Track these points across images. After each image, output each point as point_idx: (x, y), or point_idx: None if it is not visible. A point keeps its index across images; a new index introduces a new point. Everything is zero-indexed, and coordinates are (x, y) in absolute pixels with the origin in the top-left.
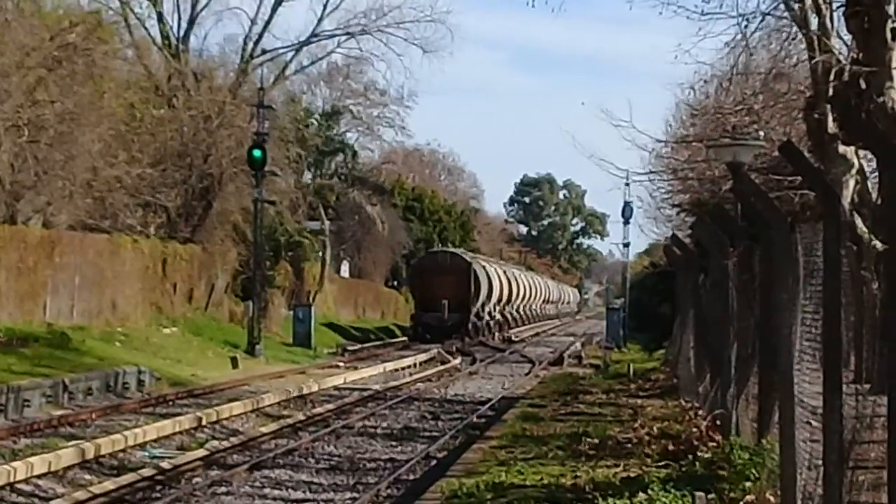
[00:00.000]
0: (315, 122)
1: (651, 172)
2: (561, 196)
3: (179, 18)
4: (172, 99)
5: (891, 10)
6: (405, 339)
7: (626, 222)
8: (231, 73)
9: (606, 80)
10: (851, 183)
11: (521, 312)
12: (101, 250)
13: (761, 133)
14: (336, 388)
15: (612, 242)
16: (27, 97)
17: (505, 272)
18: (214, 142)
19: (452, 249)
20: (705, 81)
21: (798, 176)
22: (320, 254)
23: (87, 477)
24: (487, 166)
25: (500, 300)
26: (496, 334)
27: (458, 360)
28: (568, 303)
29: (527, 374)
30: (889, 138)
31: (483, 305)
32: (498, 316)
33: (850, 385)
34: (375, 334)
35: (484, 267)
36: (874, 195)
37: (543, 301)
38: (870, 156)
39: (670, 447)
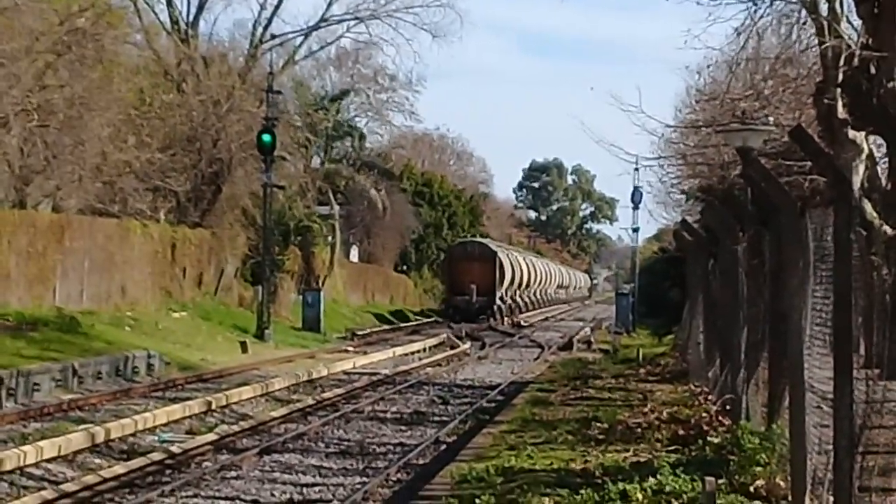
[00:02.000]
0: (324, 107)
1: (660, 157)
2: (570, 181)
3: (189, 3)
4: (182, 84)
5: None
6: (413, 323)
7: (636, 207)
8: (240, 57)
9: (616, 65)
10: (861, 168)
11: (539, 297)
12: (110, 235)
13: (771, 118)
14: (345, 372)
15: (622, 227)
16: (36, 82)
17: (525, 259)
18: (224, 126)
19: (481, 239)
20: (708, 66)
21: (808, 161)
22: (329, 238)
23: (97, 461)
24: (496, 151)
25: (520, 285)
26: (513, 317)
27: (467, 345)
28: (579, 287)
29: (536, 359)
30: None
31: (507, 290)
32: (518, 299)
33: (860, 370)
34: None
35: (507, 255)
36: (884, 180)
37: (558, 286)
38: (880, 140)
39: (680, 432)
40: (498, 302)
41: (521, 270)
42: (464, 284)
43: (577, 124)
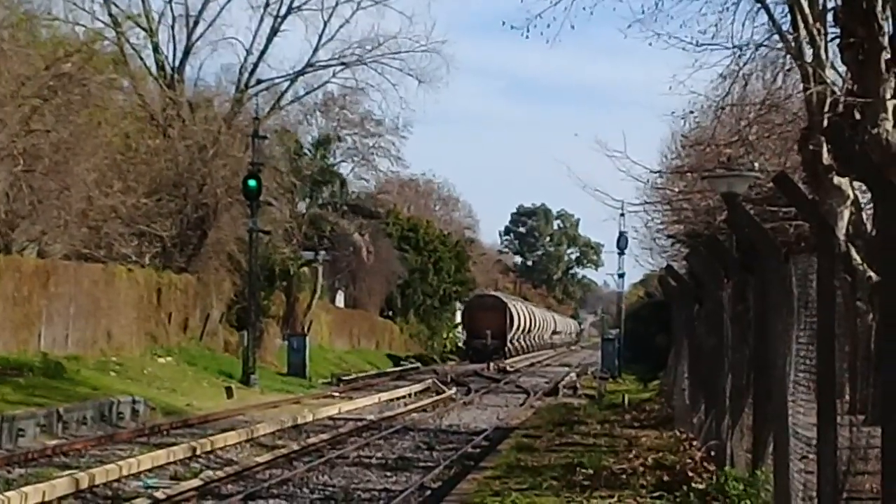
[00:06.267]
0: (309, 152)
1: (646, 203)
2: (555, 226)
3: (175, 48)
4: (168, 129)
5: (885, 41)
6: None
7: (622, 253)
8: (226, 102)
9: (601, 111)
10: (846, 214)
11: (538, 340)
12: (95, 280)
13: (756, 164)
14: (331, 417)
15: (607, 273)
16: (22, 126)
17: (527, 308)
18: (209, 171)
19: (494, 292)
20: (692, 112)
21: (793, 207)
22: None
23: None
24: (482, 196)
25: (524, 330)
26: (499, 362)
27: (452, 391)
28: (569, 333)
29: (521, 405)
30: (883, 170)
31: (514, 334)
32: (523, 342)
33: (844, 416)
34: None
35: (515, 305)
36: (869, 226)
37: (552, 332)
38: (864, 187)
39: (665, 478)
40: (508, 344)
41: (526, 318)
42: (480, 330)
43: (562, 169)
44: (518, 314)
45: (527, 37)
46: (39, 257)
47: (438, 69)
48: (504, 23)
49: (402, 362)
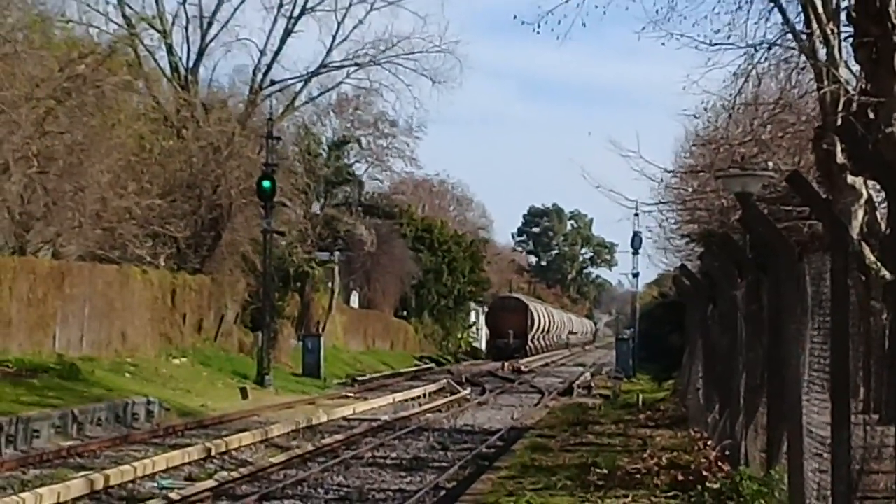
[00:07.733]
0: (324, 153)
1: (660, 203)
2: (569, 226)
3: (189, 49)
4: (182, 130)
5: None
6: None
7: (636, 252)
8: (240, 103)
9: (615, 111)
10: (860, 213)
11: (556, 340)
12: (110, 281)
13: (770, 163)
14: (345, 418)
15: (622, 273)
16: (37, 128)
17: (546, 309)
18: (224, 172)
19: (516, 294)
20: (706, 109)
21: (807, 206)
22: (329, 284)
23: None
24: (496, 197)
25: (544, 330)
26: (514, 363)
27: (467, 391)
28: (585, 333)
29: (536, 405)
30: None
31: (535, 334)
32: (543, 341)
33: (858, 415)
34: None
35: (535, 307)
36: (883, 225)
37: (569, 332)
38: (878, 185)
39: (679, 477)
40: (529, 343)
41: (545, 319)
42: (503, 330)
43: (576, 169)
44: (538, 315)
45: (538, 32)
46: (54, 259)
47: (452, 69)
48: (515, 17)
49: (416, 362)
